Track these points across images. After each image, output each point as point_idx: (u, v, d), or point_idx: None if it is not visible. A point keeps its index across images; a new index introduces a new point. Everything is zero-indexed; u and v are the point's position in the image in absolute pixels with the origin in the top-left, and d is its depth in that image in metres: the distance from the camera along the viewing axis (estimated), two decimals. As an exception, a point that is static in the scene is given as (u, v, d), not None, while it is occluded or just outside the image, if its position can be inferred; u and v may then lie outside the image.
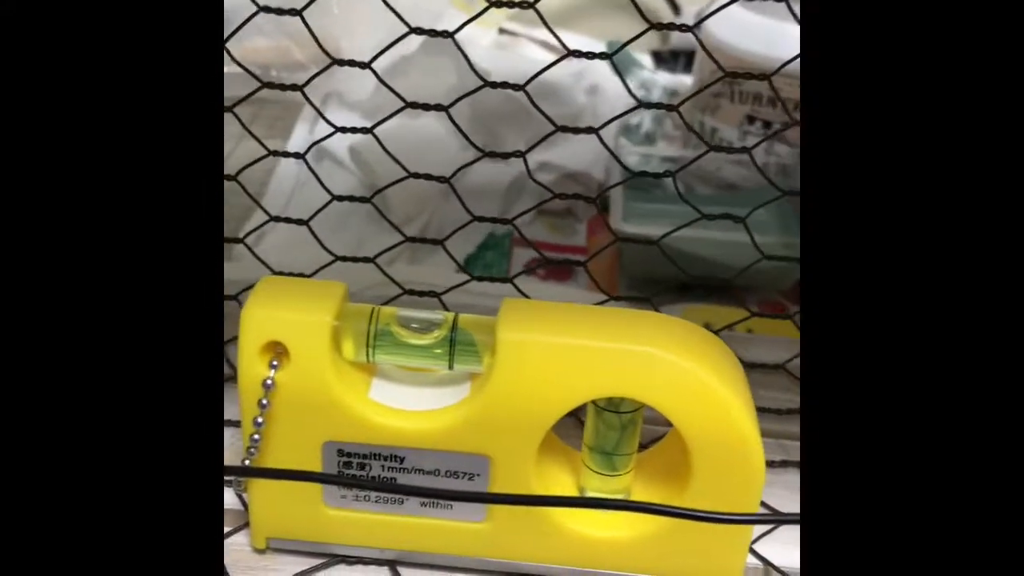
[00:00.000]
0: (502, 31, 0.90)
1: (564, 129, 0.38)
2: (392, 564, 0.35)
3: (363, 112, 0.72)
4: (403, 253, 0.58)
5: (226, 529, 0.35)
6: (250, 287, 0.33)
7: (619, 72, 0.40)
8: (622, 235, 0.46)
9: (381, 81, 0.38)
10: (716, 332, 0.35)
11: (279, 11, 0.37)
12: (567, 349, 0.31)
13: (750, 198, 0.53)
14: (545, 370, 0.31)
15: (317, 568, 0.35)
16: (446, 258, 0.42)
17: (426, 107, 0.37)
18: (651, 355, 0.31)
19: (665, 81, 0.82)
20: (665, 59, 0.87)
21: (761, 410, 0.42)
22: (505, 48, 0.88)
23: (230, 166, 0.39)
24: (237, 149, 0.62)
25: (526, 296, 0.39)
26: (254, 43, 0.72)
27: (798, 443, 0.41)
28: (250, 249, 0.41)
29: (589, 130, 0.38)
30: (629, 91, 0.38)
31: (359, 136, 0.38)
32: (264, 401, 0.31)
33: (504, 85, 0.37)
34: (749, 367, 0.42)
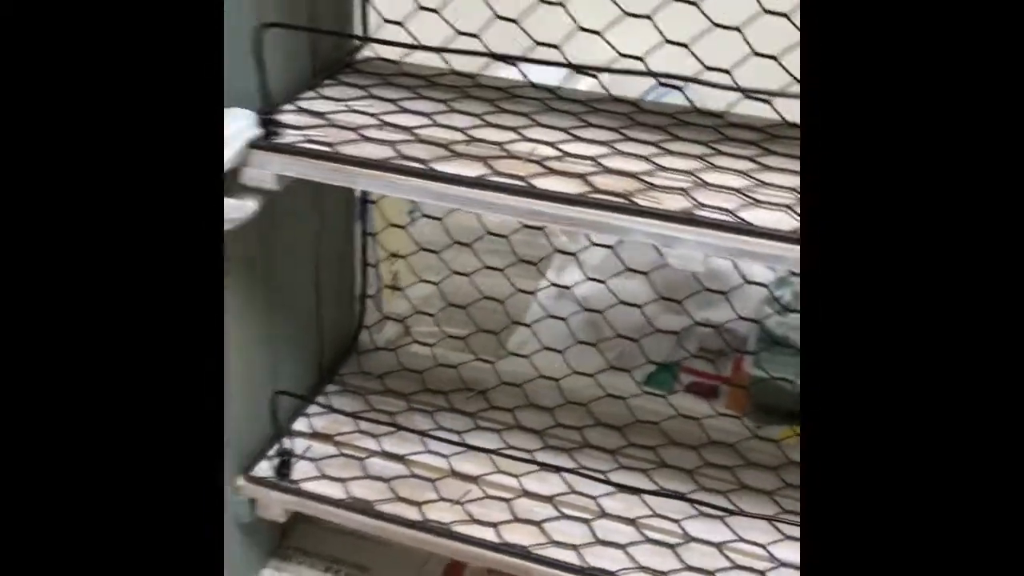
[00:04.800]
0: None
1: (708, 290, 0.75)
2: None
3: (591, 269, 1.12)
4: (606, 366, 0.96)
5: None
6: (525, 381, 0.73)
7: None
8: (752, 375, 0.83)
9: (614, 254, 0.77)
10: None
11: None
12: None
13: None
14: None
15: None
16: (637, 373, 0.80)
17: (636, 271, 0.75)
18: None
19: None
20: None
21: None
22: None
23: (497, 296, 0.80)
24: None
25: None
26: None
27: None
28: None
29: (724, 292, 0.74)
30: (769, 289, 0.75)
31: (588, 286, 0.76)
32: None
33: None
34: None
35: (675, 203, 0.58)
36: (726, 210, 0.57)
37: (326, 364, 0.85)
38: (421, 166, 0.60)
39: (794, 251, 0.55)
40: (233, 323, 0.69)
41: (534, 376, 0.84)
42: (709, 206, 0.57)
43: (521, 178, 0.59)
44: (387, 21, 0.74)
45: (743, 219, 0.56)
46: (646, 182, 0.60)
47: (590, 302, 1.04)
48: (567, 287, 0.92)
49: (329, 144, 0.62)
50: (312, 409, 0.81)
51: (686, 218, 0.56)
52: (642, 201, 0.58)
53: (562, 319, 0.85)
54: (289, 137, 0.63)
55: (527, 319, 1.03)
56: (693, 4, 0.61)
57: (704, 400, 1.00)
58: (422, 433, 0.77)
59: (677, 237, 0.57)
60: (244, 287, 0.70)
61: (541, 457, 0.77)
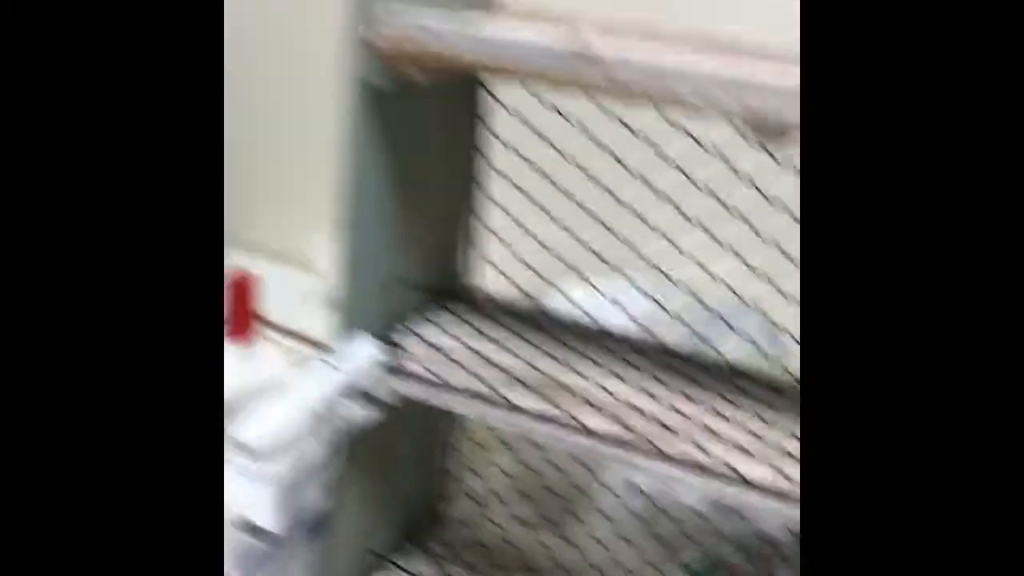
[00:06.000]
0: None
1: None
2: None
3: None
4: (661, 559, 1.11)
5: None
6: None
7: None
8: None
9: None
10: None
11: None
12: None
13: None
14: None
15: None
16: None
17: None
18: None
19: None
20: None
21: None
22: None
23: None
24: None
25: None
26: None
27: None
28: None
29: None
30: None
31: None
32: None
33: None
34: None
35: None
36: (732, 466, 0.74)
37: (411, 530, 1.03)
38: (503, 399, 0.79)
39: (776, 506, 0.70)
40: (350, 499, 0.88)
41: (583, 564, 1.00)
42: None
43: (572, 416, 0.78)
44: (487, 262, 0.95)
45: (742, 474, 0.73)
46: (667, 427, 0.77)
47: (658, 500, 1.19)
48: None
49: (436, 374, 0.82)
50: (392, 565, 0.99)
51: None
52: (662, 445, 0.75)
53: (608, 518, 1.01)
54: (408, 362, 0.83)
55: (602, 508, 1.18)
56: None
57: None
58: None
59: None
60: (360, 474, 0.89)
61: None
